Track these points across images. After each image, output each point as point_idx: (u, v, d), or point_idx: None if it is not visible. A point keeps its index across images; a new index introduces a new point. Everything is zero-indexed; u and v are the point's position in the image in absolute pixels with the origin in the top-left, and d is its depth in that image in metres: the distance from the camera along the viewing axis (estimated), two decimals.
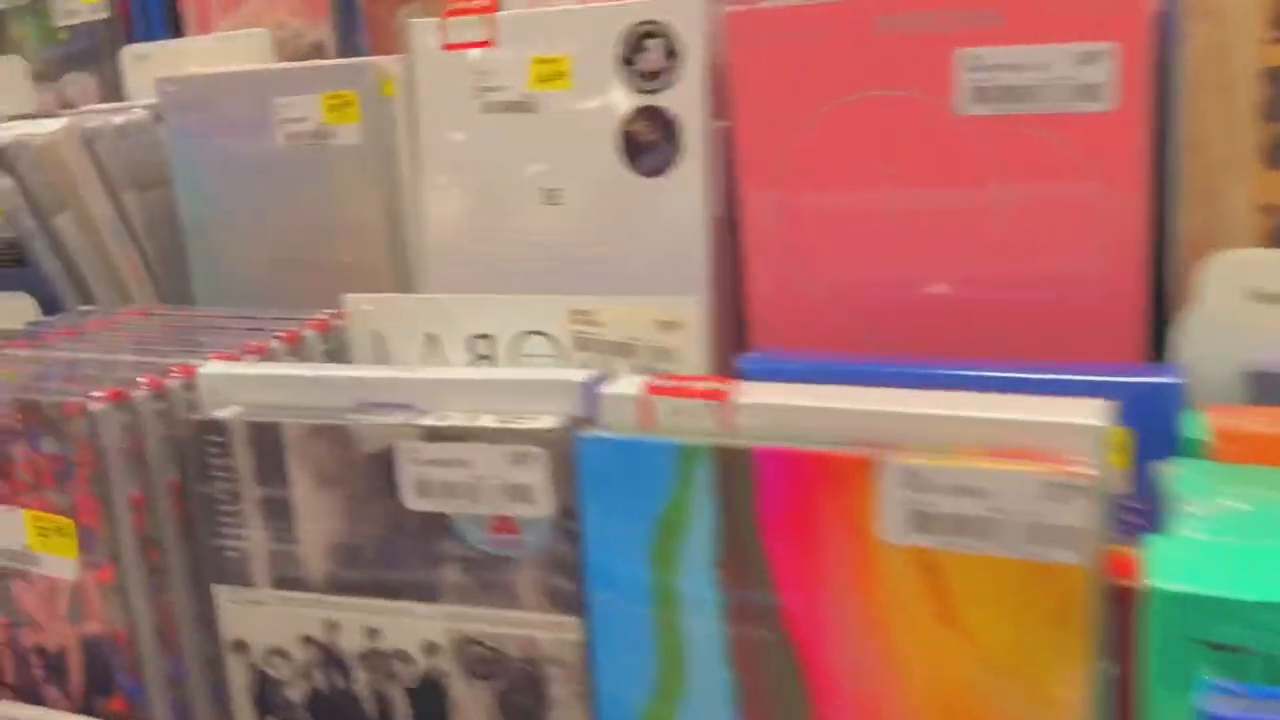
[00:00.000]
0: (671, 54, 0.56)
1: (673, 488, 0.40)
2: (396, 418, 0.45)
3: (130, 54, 0.91)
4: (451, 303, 0.58)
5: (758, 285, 0.55)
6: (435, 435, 0.44)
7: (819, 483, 0.38)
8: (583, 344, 0.55)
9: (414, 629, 0.47)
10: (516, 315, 0.56)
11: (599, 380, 0.44)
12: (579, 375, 0.45)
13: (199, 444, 0.48)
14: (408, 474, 0.45)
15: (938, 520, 0.36)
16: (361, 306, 0.59)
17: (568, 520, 0.43)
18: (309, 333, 0.56)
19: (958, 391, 0.39)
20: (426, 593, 0.46)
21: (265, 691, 0.50)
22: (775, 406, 0.40)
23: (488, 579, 0.45)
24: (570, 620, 0.44)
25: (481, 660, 0.46)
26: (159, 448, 0.48)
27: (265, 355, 0.54)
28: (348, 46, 0.88)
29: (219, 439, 0.47)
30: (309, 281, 0.69)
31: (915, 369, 0.45)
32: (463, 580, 0.45)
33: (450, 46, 0.62)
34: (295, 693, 0.49)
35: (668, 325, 0.54)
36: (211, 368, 0.49)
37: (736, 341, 0.57)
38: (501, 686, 0.46)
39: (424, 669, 0.47)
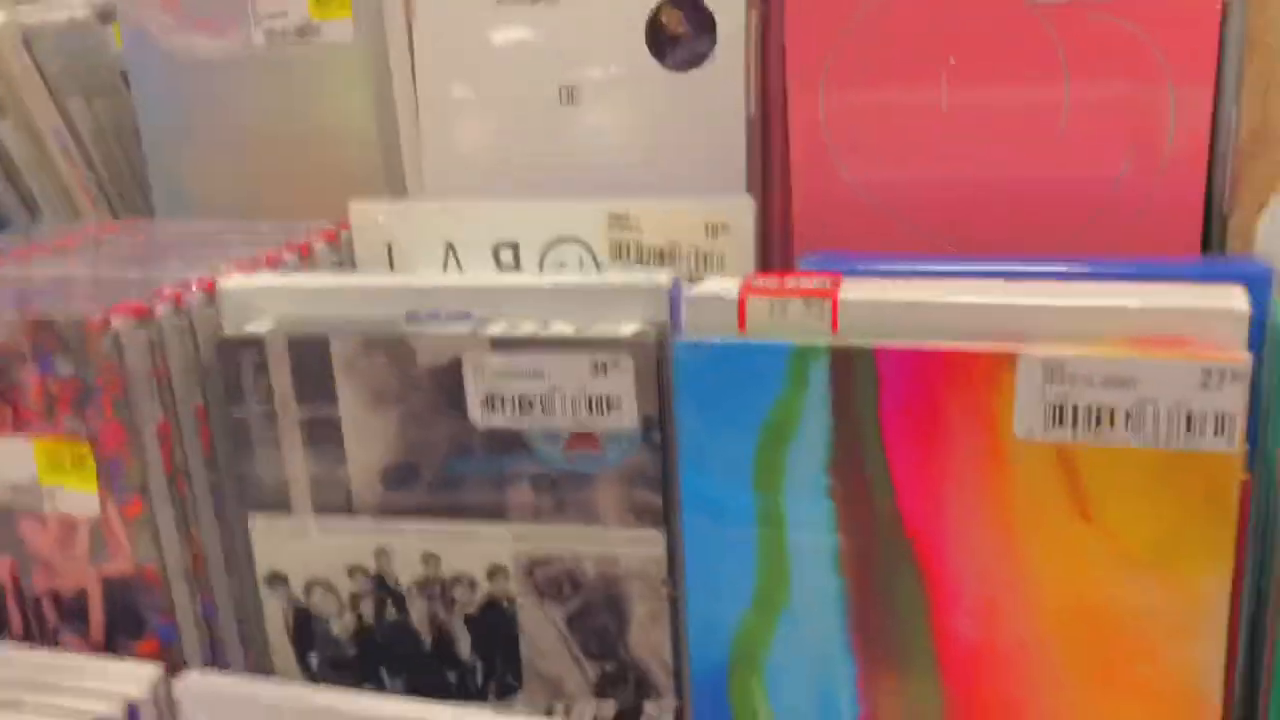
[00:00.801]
0: None
1: (782, 392, 0.38)
2: (459, 328, 0.42)
3: None
4: (473, 209, 0.54)
5: (803, 186, 0.53)
6: (508, 345, 0.41)
7: (950, 381, 0.36)
8: (619, 250, 0.53)
9: (477, 552, 0.44)
10: (548, 221, 0.53)
11: (682, 283, 0.41)
12: (661, 278, 0.42)
13: (230, 363, 0.43)
14: (476, 388, 0.42)
15: (1080, 414, 0.35)
16: (370, 214, 0.55)
17: (652, 431, 0.41)
18: (320, 244, 0.52)
19: (1076, 282, 0.38)
20: (492, 513, 0.43)
21: (306, 626, 0.46)
22: (889, 304, 0.38)
23: (563, 496, 0.42)
24: (653, 534, 0.42)
25: (553, 580, 0.44)
26: (183, 368, 0.44)
27: (276, 268, 0.49)
28: None
29: (254, 357, 0.43)
30: (286, 194, 0.64)
31: (987, 266, 0.43)
32: (534, 499, 0.43)
33: None
34: (340, 627, 0.46)
35: (715, 229, 0.51)
36: (237, 280, 0.45)
37: (765, 247, 0.55)
38: (575, 606, 0.44)
39: (487, 593, 0.44)
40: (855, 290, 0.38)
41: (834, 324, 0.38)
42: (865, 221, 0.53)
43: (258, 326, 0.43)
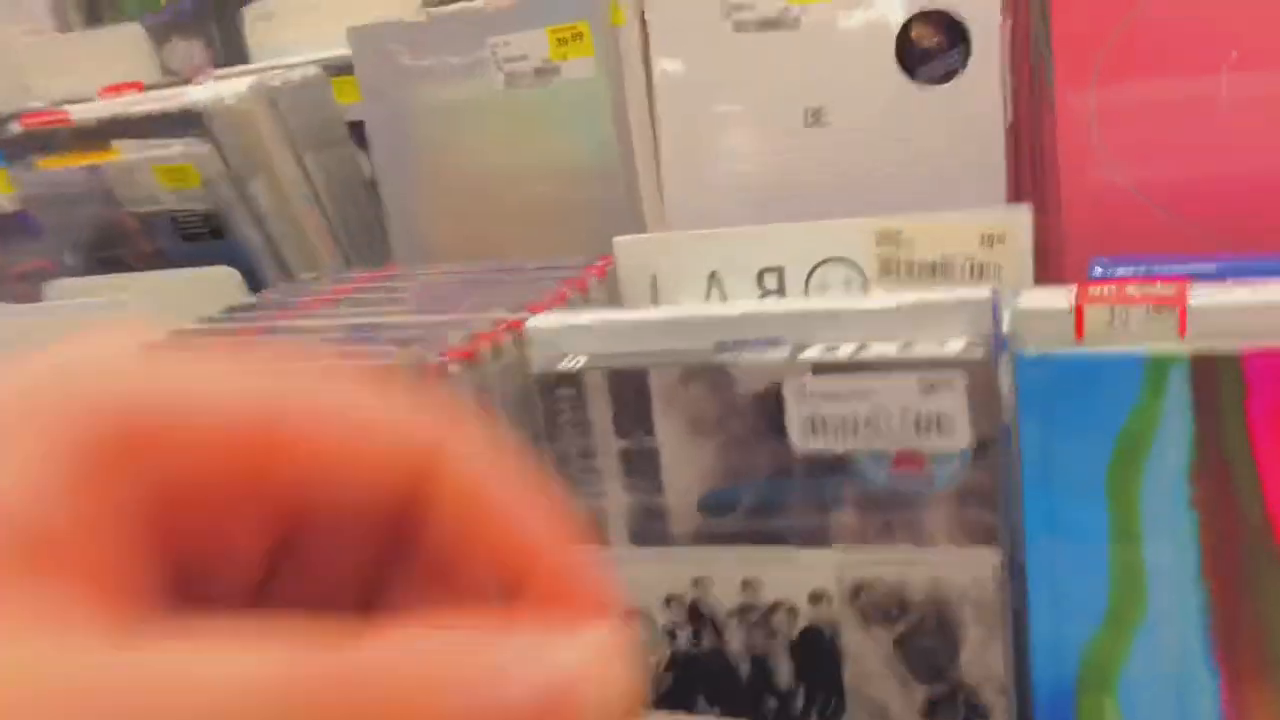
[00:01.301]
0: None
1: (1138, 402, 0.37)
2: (778, 353, 0.42)
3: (253, 14, 0.86)
4: (735, 235, 0.54)
5: (1072, 190, 0.52)
6: (832, 369, 0.41)
7: None
8: (889, 268, 0.52)
9: (798, 578, 0.44)
10: (812, 243, 0.53)
11: (1005, 296, 0.41)
12: (981, 292, 0.41)
13: (549, 398, 0.44)
14: (798, 412, 0.42)
15: None
16: (633, 247, 0.55)
17: (986, 448, 0.40)
18: (594, 279, 0.53)
19: None
20: (814, 538, 0.43)
21: None
22: (1244, 306, 0.37)
23: (888, 518, 0.42)
24: (986, 552, 0.41)
25: (880, 603, 0.43)
26: (503, 406, 0.45)
27: (563, 305, 0.50)
28: None
29: (571, 391, 0.44)
30: (524, 231, 0.66)
31: None
32: (859, 521, 0.42)
33: None
34: (652, 658, 0.46)
35: (991, 239, 0.51)
36: (547, 319, 0.46)
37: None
38: (903, 629, 0.43)
39: (810, 620, 0.44)
40: (1205, 295, 0.38)
41: (1182, 329, 0.37)
42: (1138, 222, 0.52)
43: (573, 362, 0.44)
